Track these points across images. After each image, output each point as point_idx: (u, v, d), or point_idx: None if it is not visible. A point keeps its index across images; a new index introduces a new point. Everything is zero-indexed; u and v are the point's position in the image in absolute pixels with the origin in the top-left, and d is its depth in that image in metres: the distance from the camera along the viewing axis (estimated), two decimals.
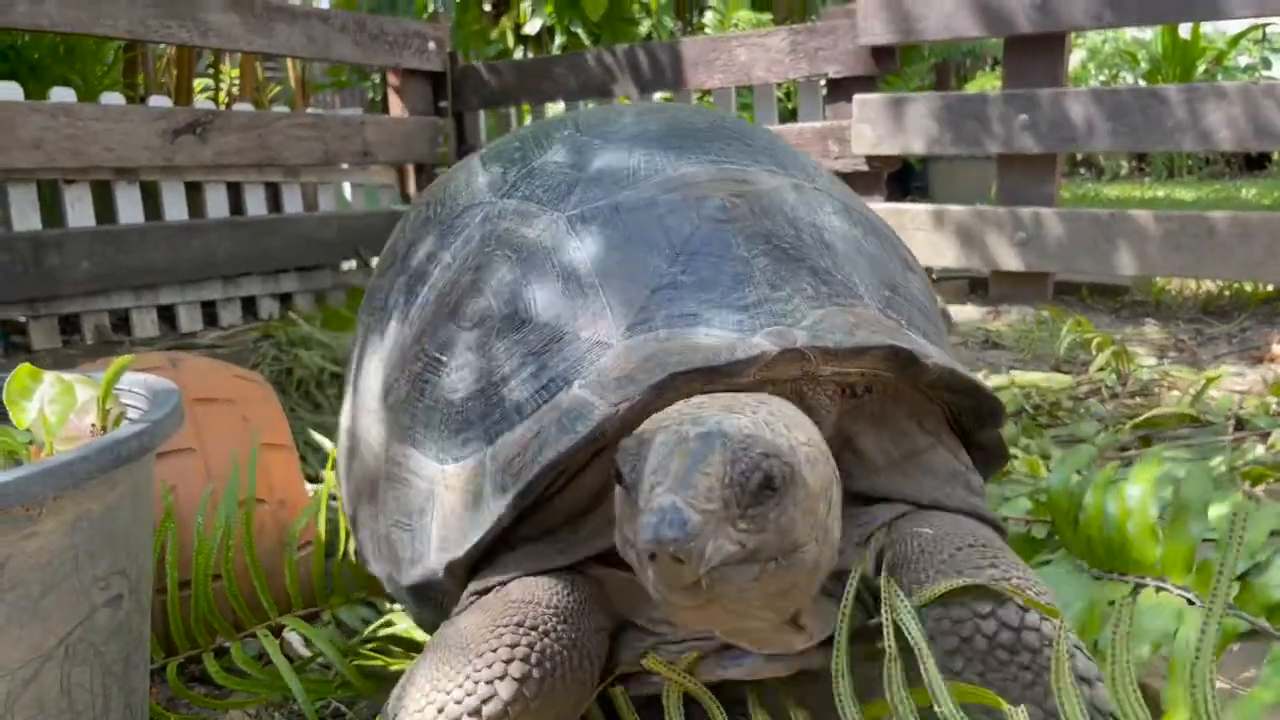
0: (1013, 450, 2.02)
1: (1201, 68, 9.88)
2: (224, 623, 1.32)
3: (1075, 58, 10.52)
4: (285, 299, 4.53)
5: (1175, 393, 2.53)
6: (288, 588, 1.39)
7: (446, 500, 1.06)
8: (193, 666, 1.34)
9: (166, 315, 4.08)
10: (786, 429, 0.76)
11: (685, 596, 0.70)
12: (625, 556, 0.81)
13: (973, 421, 1.13)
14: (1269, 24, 9.80)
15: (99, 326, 3.80)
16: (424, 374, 1.11)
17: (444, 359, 1.09)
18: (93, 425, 0.94)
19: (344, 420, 1.38)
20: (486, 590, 1.00)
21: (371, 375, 1.25)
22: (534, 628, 0.91)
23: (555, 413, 0.98)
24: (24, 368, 0.91)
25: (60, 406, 0.89)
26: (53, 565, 0.84)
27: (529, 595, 0.95)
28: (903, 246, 1.24)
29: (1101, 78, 11.01)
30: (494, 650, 0.88)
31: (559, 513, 1.04)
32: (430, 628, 1.21)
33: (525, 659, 0.88)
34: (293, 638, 1.39)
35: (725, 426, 0.72)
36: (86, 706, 0.89)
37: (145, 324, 3.94)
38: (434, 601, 1.12)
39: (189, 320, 4.10)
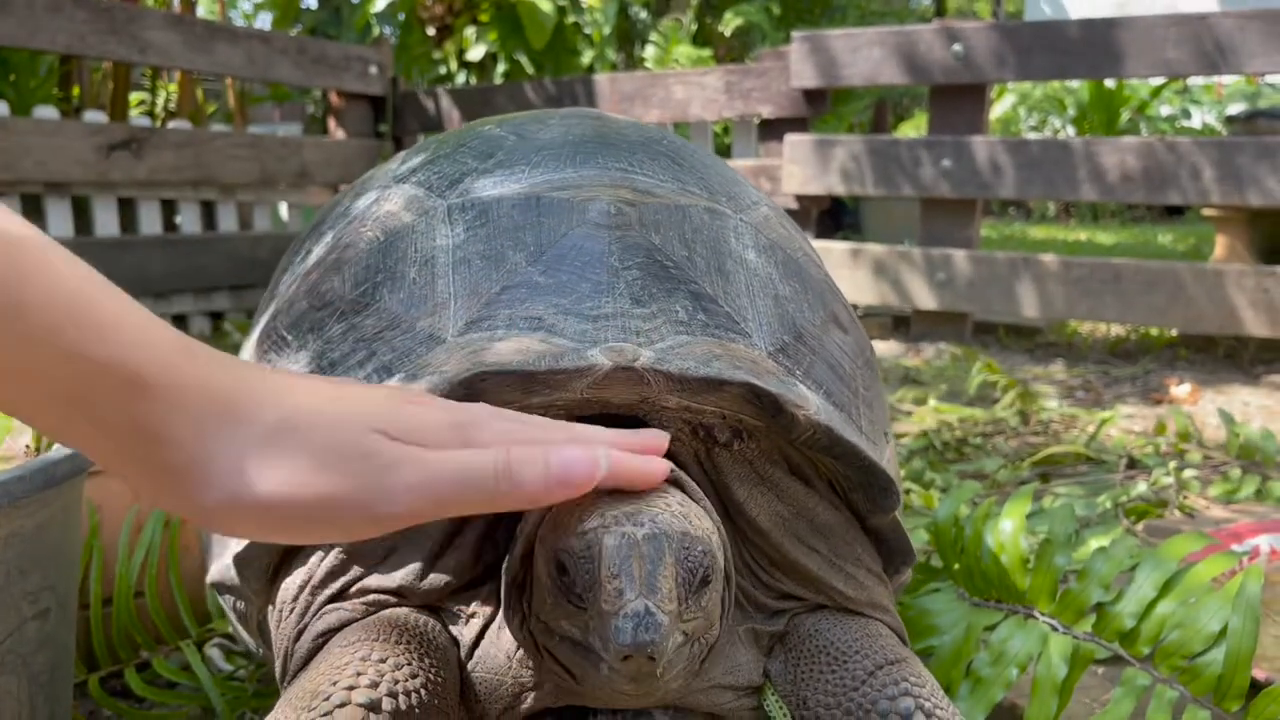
0: (915, 485, 2.13)
1: (1125, 116, 10.25)
2: (146, 637, 1.36)
3: (1007, 101, 10.85)
4: (217, 317, 4.52)
5: (1076, 431, 2.66)
6: (209, 606, 1.43)
7: None
8: (113, 681, 1.37)
9: None
10: (698, 519, 0.78)
11: (640, 685, 0.73)
12: (546, 641, 0.80)
13: (864, 502, 0.98)
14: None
15: None
16: (268, 354, 1.04)
17: (289, 338, 1.02)
18: (27, 446, 0.99)
19: None
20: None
21: (241, 354, 1.14)
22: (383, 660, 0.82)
23: None
24: None
25: None
26: None
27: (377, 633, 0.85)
28: (840, 303, 1.09)
29: (1032, 122, 11.37)
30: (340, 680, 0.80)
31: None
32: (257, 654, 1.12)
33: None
34: (213, 653, 1.43)
35: (664, 526, 0.74)
36: (14, 715, 0.93)
37: None
38: (239, 614, 1.04)
39: None
